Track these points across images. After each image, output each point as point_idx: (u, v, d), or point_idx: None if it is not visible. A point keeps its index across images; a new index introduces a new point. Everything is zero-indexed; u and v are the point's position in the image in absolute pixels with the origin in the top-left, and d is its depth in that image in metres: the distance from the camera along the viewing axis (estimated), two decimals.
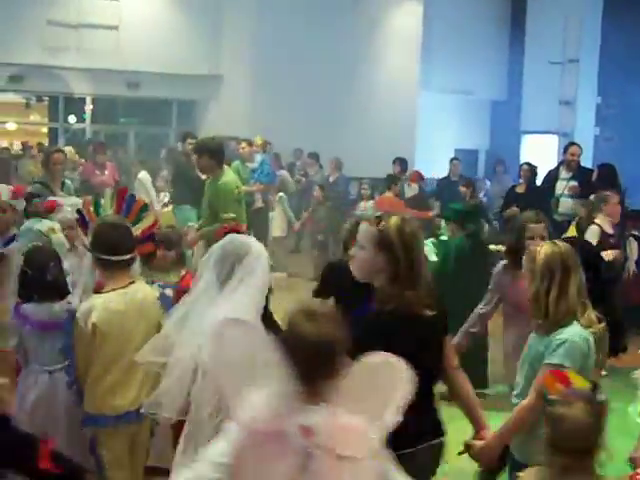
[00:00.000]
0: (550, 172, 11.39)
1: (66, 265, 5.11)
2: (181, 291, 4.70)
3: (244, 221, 7.49)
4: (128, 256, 4.35)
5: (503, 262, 5.44)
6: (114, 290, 4.27)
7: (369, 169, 15.25)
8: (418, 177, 13.67)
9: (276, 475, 2.72)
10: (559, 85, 18.61)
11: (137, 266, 4.79)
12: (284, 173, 15.18)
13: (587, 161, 13.18)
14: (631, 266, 9.26)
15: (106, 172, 12.74)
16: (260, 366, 2.85)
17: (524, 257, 3.96)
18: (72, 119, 19.60)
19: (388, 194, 12.01)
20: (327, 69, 17.32)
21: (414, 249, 3.58)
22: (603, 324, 3.92)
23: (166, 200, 12.33)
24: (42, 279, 4.66)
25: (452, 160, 14.66)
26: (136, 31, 17.18)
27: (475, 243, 7.76)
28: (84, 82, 17.46)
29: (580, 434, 2.95)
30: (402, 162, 13.89)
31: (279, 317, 5.82)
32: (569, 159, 10.75)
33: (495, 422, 3.92)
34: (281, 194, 13.66)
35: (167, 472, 3.62)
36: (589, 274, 4.11)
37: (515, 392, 3.93)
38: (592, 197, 8.79)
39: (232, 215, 7.08)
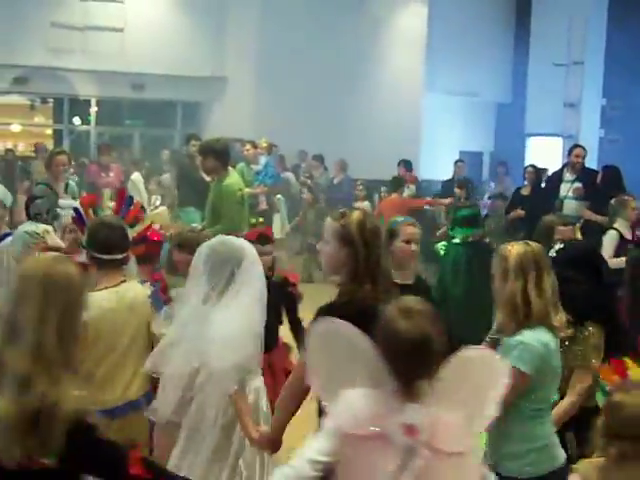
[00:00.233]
0: (554, 174, 11.38)
1: None
2: None
3: (246, 223, 7.49)
4: (121, 256, 4.42)
5: None
6: (106, 288, 4.34)
7: (373, 171, 15.26)
8: (412, 179, 13.72)
9: (379, 474, 2.74)
10: (564, 87, 18.58)
11: (133, 266, 4.85)
12: (289, 175, 15.18)
13: (592, 163, 13.14)
14: None
15: (111, 174, 12.70)
16: (357, 365, 2.87)
17: (495, 257, 3.94)
18: (77, 121, 19.62)
19: (394, 196, 12.00)
20: (331, 71, 17.32)
21: (374, 245, 3.57)
22: (571, 330, 3.89)
23: (158, 203, 12.34)
24: None
25: (457, 162, 14.67)
26: (141, 33, 17.20)
27: (478, 247, 7.70)
28: (89, 84, 17.50)
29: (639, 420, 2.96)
30: (407, 164, 13.89)
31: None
32: (573, 161, 10.73)
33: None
34: (279, 196, 13.64)
35: None
36: (592, 278, 4.09)
37: None
38: (612, 201, 8.68)
39: (260, 219, 7.07)
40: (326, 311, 3.55)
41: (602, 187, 10.16)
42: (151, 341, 4.35)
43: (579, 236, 8.69)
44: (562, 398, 4.13)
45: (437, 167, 17.04)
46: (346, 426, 2.79)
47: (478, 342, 5.47)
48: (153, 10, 17.71)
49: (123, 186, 12.66)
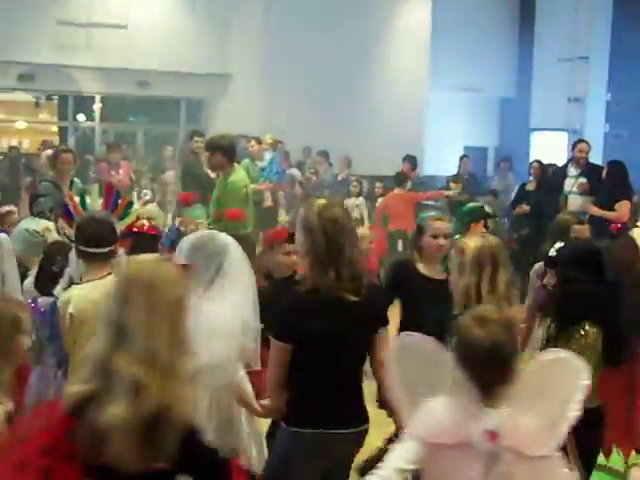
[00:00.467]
0: (558, 169, 11.37)
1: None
2: None
3: (251, 220, 7.50)
4: (107, 249, 4.48)
5: (540, 264, 5.32)
6: (93, 281, 4.42)
7: (378, 167, 15.27)
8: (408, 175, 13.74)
9: None
10: (569, 82, 18.54)
11: (123, 259, 4.86)
12: (294, 171, 15.18)
13: (597, 158, 13.13)
14: None
15: (121, 171, 12.62)
16: (436, 375, 2.93)
17: (452, 250, 3.95)
18: (81, 118, 19.64)
19: (397, 191, 12.01)
20: (336, 67, 17.30)
21: (335, 234, 3.61)
22: (524, 325, 3.89)
23: (147, 197, 12.35)
24: (50, 272, 4.92)
25: (462, 157, 14.63)
26: (145, 30, 17.20)
27: None
28: (93, 81, 17.51)
29: None
30: (411, 160, 13.88)
31: None
32: (577, 156, 10.72)
33: None
34: (280, 192, 13.63)
35: None
36: (593, 276, 4.05)
37: None
38: (635, 198, 8.65)
39: (286, 219, 7.06)
40: (292, 300, 3.67)
41: (607, 182, 10.15)
42: None
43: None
44: None
45: (442, 163, 17.03)
46: (428, 435, 2.84)
47: None
48: (157, 7, 17.71)
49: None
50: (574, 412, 2.84)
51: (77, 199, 5.49)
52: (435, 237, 4.91)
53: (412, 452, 2.86)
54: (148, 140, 19.21)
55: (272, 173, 12.46)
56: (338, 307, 3.61)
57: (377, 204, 12.85)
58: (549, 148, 18.52)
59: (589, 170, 10.61)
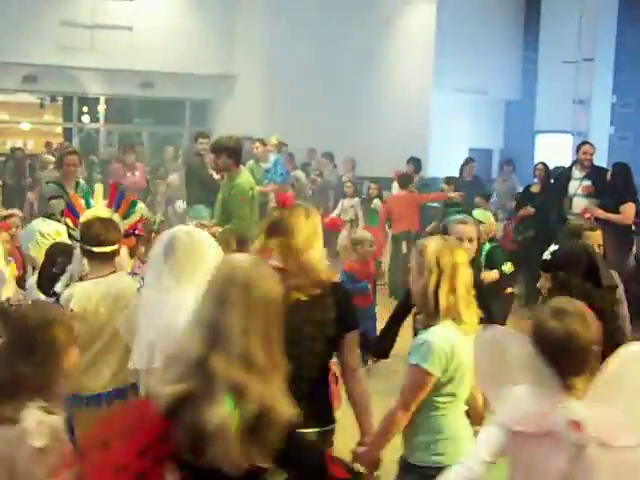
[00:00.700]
0: (563, 171, 11.34)
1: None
2: None
3: (256, 222, 7.48)
4: (110, 248, 4.57)
5: None
6: (96, 278, 4.52)
7: (382, 169, 15.24)
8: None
9: (550, 470, 2.82)
10: (574, 84, 18.51)
11: (126, 258, 5.00)
12: (299, 173, 15.17)
13: (602, 160, 13.10)
14: None
15: (136, 173, 12.56)
16: (520, 366, 2.98)
17: (412, 251, 3.94)
18: (86, 119, 19.67)
19: (402, 192, 12.00)
20: (340, 69, 17.31)
21: (287, 235, 3.70)
22: (479, 326, 3.87)
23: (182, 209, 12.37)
24: (50, 273, 4.99)
25: (466, 162, 14.53)
26: (150, 31, 17.23)
27: None
28: (98, 82, 17.56)
29: None
30: (416, 162, 13.87)
31: None
32: (582, 158, 10.68)
33: None
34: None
35: None
36: (589, 280, 4.01)
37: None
38: None
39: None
40: None
41: (612, 184, 10.13)
42: None
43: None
44: None
45: (446, 165, 16.99)
46: (515, 424, 2.90)
47: None
48: (162, 8, 17.75)
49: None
50: None
51: (82, 201, 5.50)
52: (460, 241, 4.83)
53: (497, 442, 2.94)
54: (153, 141, 19.23)
55: (276, 175, 12.44)
56: (294, 308, 3.60)
57: (372, 205, 12.88)
58: (554, 150, 18.50)
59: (594, 172, 10.57)
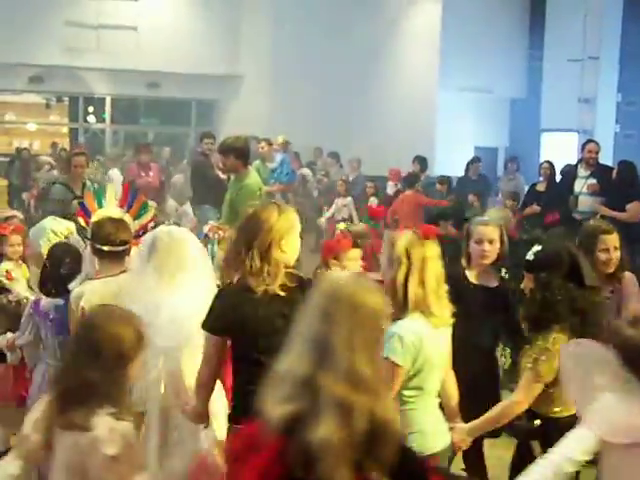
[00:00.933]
0: (568, 170, 11.34)
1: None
2: None
3: None
4: (121, 248, 4.61)
5: None
6: (106, 277, 4.56)
7: (388, 168, 15.24)
8: (398, 176, 13.70)
9: None
10: (579, 82, 18.51)
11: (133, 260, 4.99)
12: (306, 171, 15.17)
13: (607, 159, 13.09)
14: None
15: (151, 173, 12.48)
16: (606, 375, 3.02)
17: (384, 242, 3.95)
18: (92, 119, 19.72)
19: (409, 192, 11.98)
20: (346, 69, 17.32)
21: (253, 237, 3.73)
22: (452, 320, 3.85)
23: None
24: (58, 274, 4.94)
25: (472, 162, 14.51)
26: (155, 31, 17.25)
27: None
28: (104, 82, 17.60)
29: None
30: (422, 161, 13.86)
31: None
32: (587, 156, 10.67)
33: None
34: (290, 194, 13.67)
35: None
36: (571, 280, 4.00)
37: None
38: None
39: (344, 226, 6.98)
40: (221, 294, 3.78)
41: (617, 183, 10.13)
42: None
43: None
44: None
45: (452, 163, 17.00)
46: (604, 434, 2.92)
47: None
48: (167, 8, 17.77)
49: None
50: None
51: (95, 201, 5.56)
52: (479, 242, 4.82)
53: (587, 445, 2.96)
54: (159, 141, 19.26)
55: (282, 174, 12.45)
56: (266, 303, 3.70)
57: (369, 203, 12.94)
58: (559, 149, 18.50)
59: (599, 171, 10.57)
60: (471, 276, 4.87)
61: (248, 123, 14.80)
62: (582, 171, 10.67)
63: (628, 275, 5.04)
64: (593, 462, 3.07)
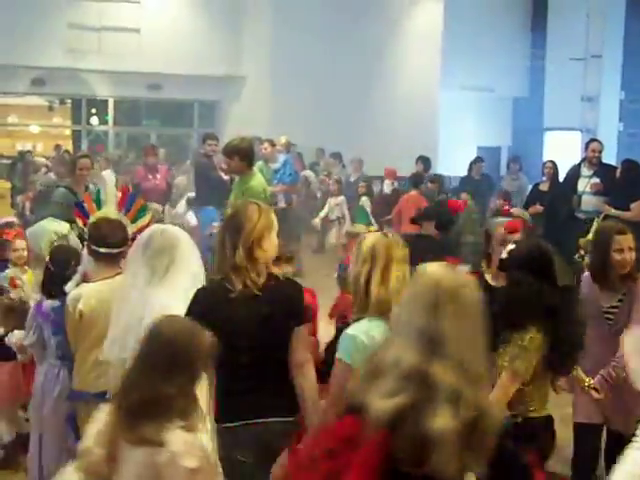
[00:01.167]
0: (572, 169, 11.31)
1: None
2: None
3: None
4: (117, 250, 4.65)
5: (587, 274, 5.08)
6: (103, 280, 4.60)
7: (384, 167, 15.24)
8: (393, 174, 13.68)
9: None
10: (582, 81, 18.48)
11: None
12: (309, 173, 15.18)
13: (611, 157, 13.07)
14: None
15: (158, 175, 12.32)
16: None
17: (356, 243, 3.94)
18: (94, 121, 19.73)
19: (413, 192, 11.92)
20: (348, 68, 17.32)
21: (236, 237, 3.78)
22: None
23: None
24: (62, 276, 4.96)
25: (475, 161, 14.49)
26: (157, 33, 17.26)
27: (420, 242, 7.19)
28: (106, 84, 17.61)
29: None
30: (425, 161, 13.84)
31: None
32: (590, 156, 10.64)
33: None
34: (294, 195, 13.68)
35: None
36: (542, 278, 3.98)
37: None
38: None
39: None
40: (196, 293, 3.84)
41: (621, 182, 10.10)
42: None
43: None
44: None
45: (455, 163, 16.99)
46: None
47: None
48: (169, 10, 17.77)
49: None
50: None
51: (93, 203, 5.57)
52: (502, 244, 4.74)
53: None
54: (161, 143, 19.25)
55: (285, 175, 12.40)
56: (245, 301, 3.74)
57: (360, 203, 12.97)
58: (562, 148, 18.48)
59: (602, 170, 10.53)
60: (490, 279, 4.78)
61: (250, 124, 14.81)
62: (585, 170, 10.65)
63: None
64: None
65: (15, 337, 5.42)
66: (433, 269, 2.77)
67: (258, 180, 7.79)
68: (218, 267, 3.86)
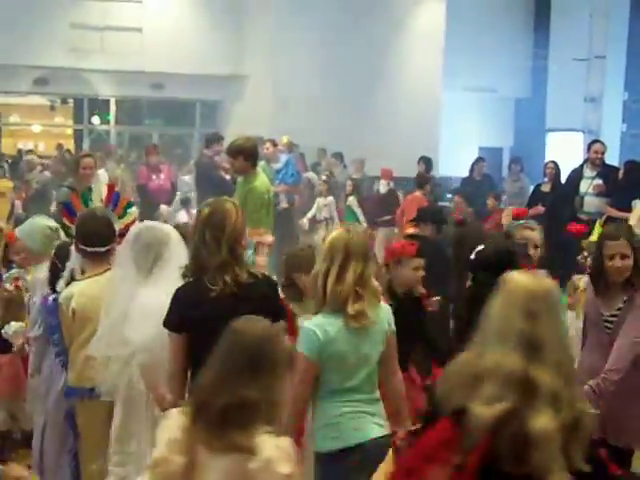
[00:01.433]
0: (574, 171, 11.30)
1: None
2: None
3: (272, 225, 7.46)
4: (104, 248, 4.70)
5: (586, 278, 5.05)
6: (91, 277, 4.66)
7: (393, 168, 15.23)
8: (389, 175, 13.66)
9: None
10: (585, 82, 18.45)
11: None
12: (311, 174, 15.18)
13: (613, 158, 13.07)
14: None
15: (162, 175, 12.32)
16: None
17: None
18: (96, 121, 19.72)
19: (417, 193, 11.87)
20: (350, 68, 17.29)
21: (215, 236, 3.81)
22: (370, 319, 3.82)
23: None
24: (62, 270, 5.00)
25: (477, 162, 14.48)
26: (160, 33, 17.22)
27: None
28: (108, 84, 17.59)
29: None
30: (427, 161, 13.84)
31: None
32: (593, 157, 10.64)
33: None
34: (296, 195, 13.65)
35: None
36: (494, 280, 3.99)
37: None
38: None
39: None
40: (178, 291, 3.88)
41: (624, 183, 10.09)
42: None
43: (600, 232, 8.59)
44: None
45: (457, 164, 16.98)
46: None
47: None
48: (171, 10, 17.74)
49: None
50: None
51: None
52: (524, 245, 4.78)
53: None
54: (163, 142, 19.25)
55: (287, 175, 12.42)
56: (225, 299, 3.78)
57: (347, 202, 13.07)
58: (565, 149, 18.45)
59: (605, 171, 10.54)
60: None
61: (252, 124, 14.79)
62: (588, 171, 10.65)
63: None
64: None
65: (13, 328, 5.46)
66: (521, 277, 2.91)
67: (262, 180, 7.75)
68: (198, 264, 3.88)
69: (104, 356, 4.27)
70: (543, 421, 2.61)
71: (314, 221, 13.15)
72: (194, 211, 11.81)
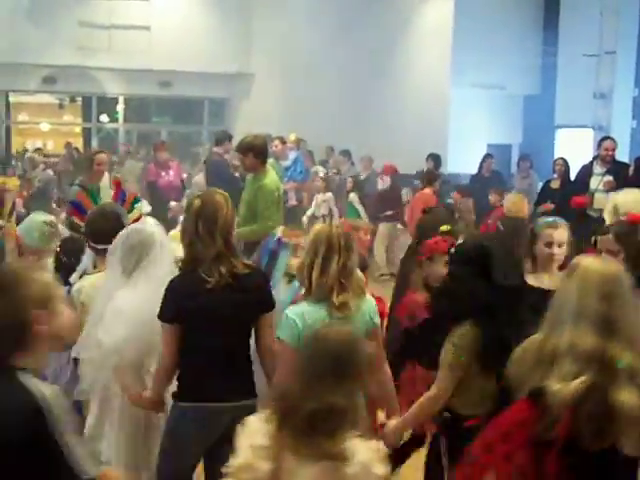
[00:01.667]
0: (584, 167, 11.25)
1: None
2: None
3: (281, 222, 7.44)
4: (111, 245, 4.67)
5: None
6: (102, 271, 4.65)
7: (401, 166, 15.20)
8: (391, 170, 13.61)
9: None
10: (594, 78, 18.38)
11: None
12: (320, 169, 15.16)
13: (623, 155, 13.01)
14: None
15: (171, 172, 12.25)
16: None
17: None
18: (104, 119, 19.75)
19: (427, 190, 11.80)
20: (358, 66, 17.28)
21: (210, 229, 3.89)
22: (351, 310, 3.84)
23: None
24: (73, 265, 5.07)
25: (485, 158, 14.44)
26: (167, 31, 17.24)
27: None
28: (116, 82, 17.61)
29: None
30: (436, 158, 13.80)
31: None
32: (603, 154, 10.58)
33: None
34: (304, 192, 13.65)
35: None
36: (480, 276, 3.98)
37: None
38: None
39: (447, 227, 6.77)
40: (172, 282, 3.93)
41: (634, 179, 10.04)
42: None
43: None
44: None
45: (465, 161, 16.95)
46: None
47: None
48: (179, 8, 17.76)
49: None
50: None
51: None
52: (549, 245, 4.67)
53: None
54: (171, 140, 19.25)
55: (296, 173, 12.43)
56: (219, 290, 3.87)
57: (348, 199, 13.08)
58: (574, 145, 18.39)
59: (615, 167, 10.48)
60: (531, 279, 4.71)
61: (260, 121, 14.78)
62: (598, 168, 10.58)
63: None
64: None
65: None
66: (592, 261, 3.10)
67: (271, 178, 7.73)
68: (192, 257, 3.94)
69: (86, 357, 4.32)
70: (626, 396, 2.73)
71: (313, 218, 13.14)
72: None
